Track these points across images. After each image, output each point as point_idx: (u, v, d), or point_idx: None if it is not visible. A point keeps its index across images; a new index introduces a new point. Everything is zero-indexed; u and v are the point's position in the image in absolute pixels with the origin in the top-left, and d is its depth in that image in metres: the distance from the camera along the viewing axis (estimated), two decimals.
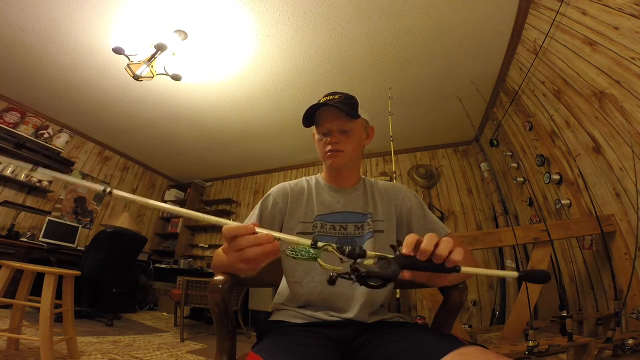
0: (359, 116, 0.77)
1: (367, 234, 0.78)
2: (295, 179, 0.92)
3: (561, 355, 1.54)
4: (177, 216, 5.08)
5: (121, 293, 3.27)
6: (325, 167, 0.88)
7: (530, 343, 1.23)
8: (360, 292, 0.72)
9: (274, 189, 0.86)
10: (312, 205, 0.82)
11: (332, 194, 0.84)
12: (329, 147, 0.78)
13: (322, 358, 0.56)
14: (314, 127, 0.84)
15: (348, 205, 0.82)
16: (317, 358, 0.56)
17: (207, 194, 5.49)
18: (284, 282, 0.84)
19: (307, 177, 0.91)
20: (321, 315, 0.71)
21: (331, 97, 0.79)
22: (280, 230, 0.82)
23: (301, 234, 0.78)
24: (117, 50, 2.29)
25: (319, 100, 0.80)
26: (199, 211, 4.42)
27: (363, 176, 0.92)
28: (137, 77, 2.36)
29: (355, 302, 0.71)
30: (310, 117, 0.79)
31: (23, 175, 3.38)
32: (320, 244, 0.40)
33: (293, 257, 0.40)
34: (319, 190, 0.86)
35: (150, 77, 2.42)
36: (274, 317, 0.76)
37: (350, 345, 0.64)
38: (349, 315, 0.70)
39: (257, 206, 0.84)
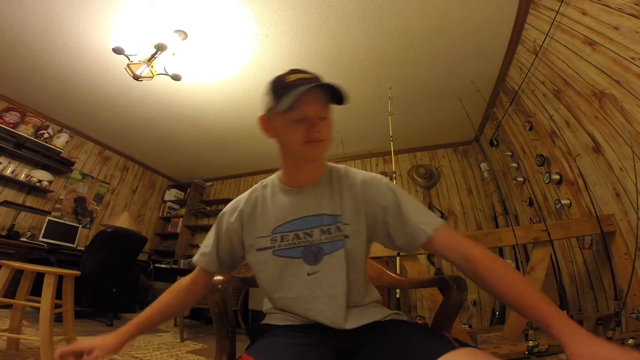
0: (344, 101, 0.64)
1: (337, 241, 0.67)
2: None
3: (561, 355, 1.54)
4: (177, 216, 5.09)
5: (121, 293, 3.26)
6: (289, 163, 0.73)
7: (530, 343, 1.23)
8: (325, 299, 0.66)
9: (227, 206, 0.78)
10: (268, 216, 0.71)
11: (291, 197, 0.72)
12: (315, 135, 0.62)
13: (318, 357, 0.56)
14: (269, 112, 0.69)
15: (311, 207, 0.70)
16: (312, 357, 0.55)
17: (207, 194, 5.48)
18: None
19: (264, 181, 0.79)
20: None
21: (301, 75, 0.65)
22: (243, 248, 0.75)
23: (261, 250, 0.70)
24: (117, 50, 2.29)
25: (290, 78, 0.65)
26: (199, 211, 4.43)
27: (329, 164, 0.77)
28: (137, 77, 2.36)
29: (327, 312, 0.65)
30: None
31: (23, 175, 3.38)
32: None
33: None
34: (275, 195, 0.74)
35: (150, 77, 2.42)
36: (265, 321, 0.74)
37: (344, 349, 0.63)
38: (333, 325, 0.65)
39: (214, 227, 0.78)
